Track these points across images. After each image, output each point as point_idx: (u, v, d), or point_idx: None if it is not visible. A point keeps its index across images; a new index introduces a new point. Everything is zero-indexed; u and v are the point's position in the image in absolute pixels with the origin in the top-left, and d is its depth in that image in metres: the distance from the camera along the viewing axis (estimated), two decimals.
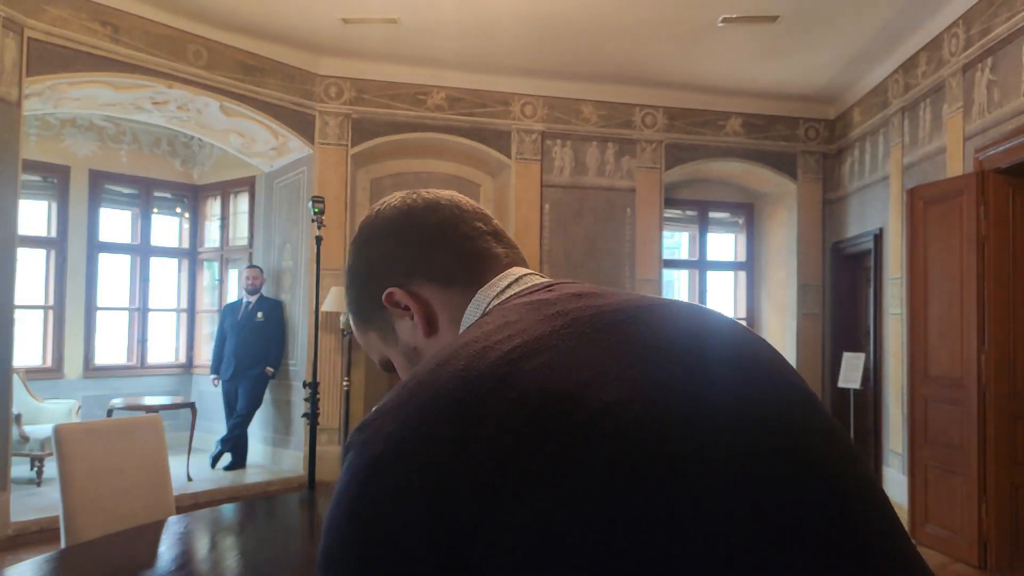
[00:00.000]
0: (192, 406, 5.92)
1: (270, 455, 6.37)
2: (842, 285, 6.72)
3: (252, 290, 6.21)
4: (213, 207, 7.38)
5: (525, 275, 0.74)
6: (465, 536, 0.48)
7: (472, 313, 0.72)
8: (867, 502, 0.56)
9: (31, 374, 6.02)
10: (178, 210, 7.42)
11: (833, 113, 6.87)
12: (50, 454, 5.26)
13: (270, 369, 6.14)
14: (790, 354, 6.93)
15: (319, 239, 4.34)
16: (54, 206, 6.51)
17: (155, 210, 7.23)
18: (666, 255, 6.94)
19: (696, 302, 7.40)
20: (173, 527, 2.28)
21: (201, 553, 2.14)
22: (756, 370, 0.61)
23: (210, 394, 6.60)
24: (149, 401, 5.93)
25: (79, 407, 5.84)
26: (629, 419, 0.51)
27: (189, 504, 4.84)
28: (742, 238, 7.63)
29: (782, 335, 7.09)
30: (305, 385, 4.38)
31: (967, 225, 4.26)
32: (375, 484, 0.52)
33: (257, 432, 6.39)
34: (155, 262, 7.26)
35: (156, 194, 7.20)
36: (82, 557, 2.03)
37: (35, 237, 6.34)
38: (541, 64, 6.03)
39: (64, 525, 2.26)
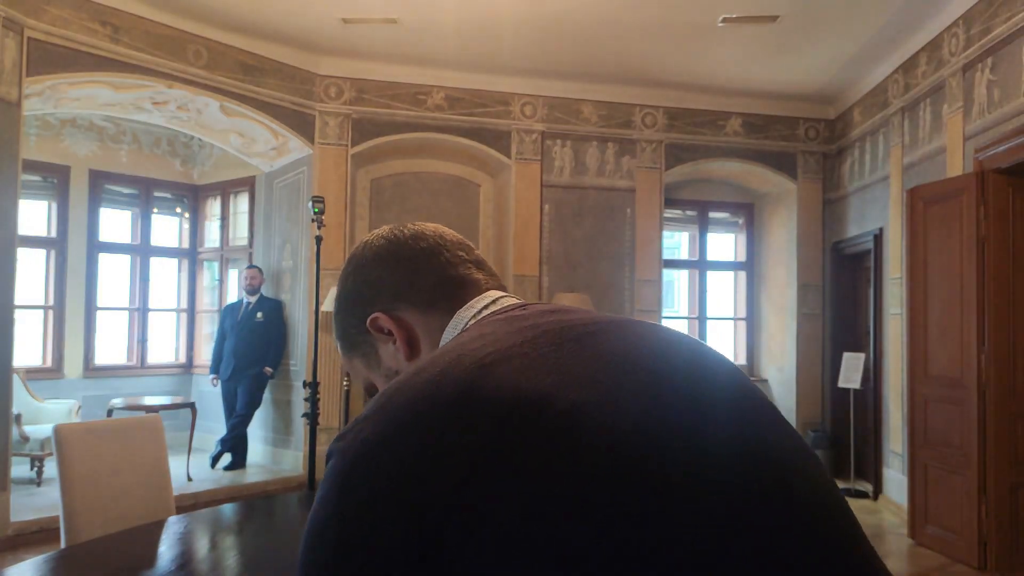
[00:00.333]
0: (192, 406, 5.92)
1: (270, 455, 6.37)
2: (842, 285, 6.72)
3: (252, 290, 6.21)
4: (213, 207, 7.38)
5: (501, 297, 0.79)
6: (441, 536, 0.50)
7: (451, 332, 0.77)
8: (811, 482, 0.60)
9: (31, 374, 6.02)
10: (178, 210, 7.42)
11: (833, 113, 6.87)
12: (50, 454, 5.26)
13: (269, 369, 6.14)
14: (790, 354, 6.93)
15: (319, 239, 4.34)
16: (54, 206, 6.51)
17: (155, 210, 7.23)
18: (666, 255, 6.94)
19: (695, 302, 7.40)
20: (173, 527, 2.28)
21: (201, 553, 2.14)
22: (712, 376, 0.65)
23: (210, 394, 6.59)
24: (149, 401, 5.93)
25: (79, 407, 5.84)
26: (596, 418, 0.53)
27: (189, 504, 4.84)
28: (742, 238, 7.63)
29: (782, 335, 7.09)
30: (305, 385, 4.38)
31: (967, 225, 4.26)
32: (354, 489, 0.53)
33: (257, 432, 6.39)
34: (155, 262, 7.26)
35: (156, 194, 7.20)
36: (82, 557, 2.03)
37: (35, 237, 6.34)
38: (541, 64, 6.03)
39: (64, 525, 2.26)
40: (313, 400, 4.29)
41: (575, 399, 0.54)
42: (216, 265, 7.36)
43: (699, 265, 7.53)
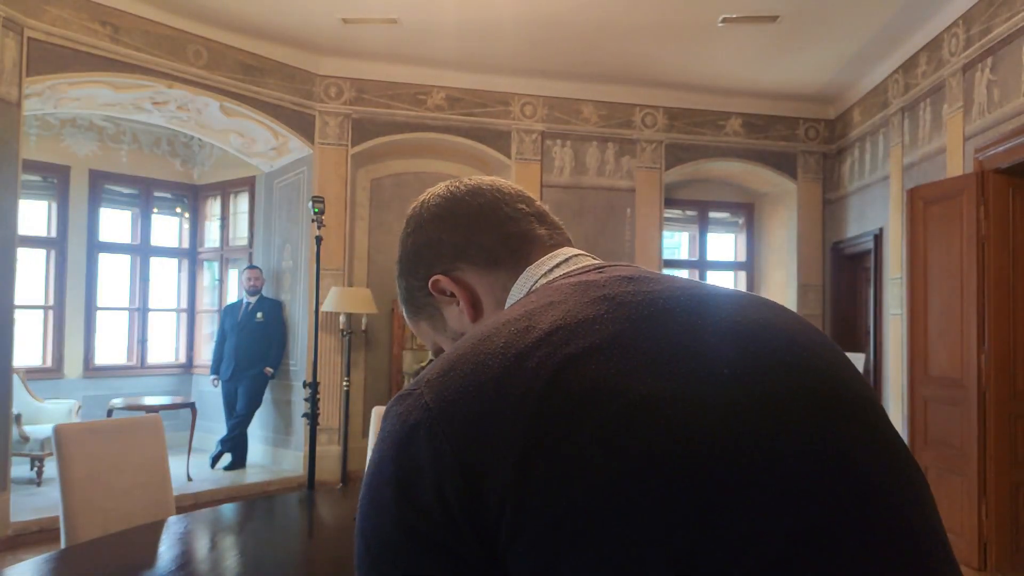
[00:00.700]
0: (192, 406, 5.92)
1: (270, 455, 6.37)
2: (842, 285, 6.72)
3: (252, 291, 6.21)
4: (213, 207, 7.38)
5: (575, 255, 0.75)
6: (494, 509, 0.49)
7: (518, 292, 0.72)
8: (904, 500, 0.55)
9: (31, 374, 6.02)
10: (178, 210, 7.42)
11: (833, 113, 6.87)
12: (50, 454, 5.26)
13: (269, 369, 6.14)
14: None
15: (319, 239, 4.34)
16: (54, 206, 6.51)
17: (155, 210, 7.23)
18: (666, 255, 6.94)
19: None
20: (173, 527, 2.28)
21: (201, 553, 2.14)
22: (807, 367, 0.58)
23: (210, 394, 6.59)
24: (149, 401, 5.93)
25: (79, 407, 5.84)
26: (665, 412, 0.51)
27: (189, 504, 4.84)
28: (742, 238, 7.63)
29: None
30: (305, 385, 4.38)
31: (967, 225, 4.26)
32: (411, 453, 0.52)
33: (257, 432, 6.39)
34: (155, 262, 7.26)
35: (156, 194, 7.20)
36: (82, 557, 2.03)
37: (35, 237, 6.34)
38: (541, 64, 6.03)
39: (64, 525, 2.26)
40: (313, 400, 4.29)
41: (644, 391, 0.51)
42: (216, 265, 7.36)
43: (699, 265, 7.53)
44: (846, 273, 6.69)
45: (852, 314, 6.63)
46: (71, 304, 6.52)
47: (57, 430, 2.33)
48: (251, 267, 6.38)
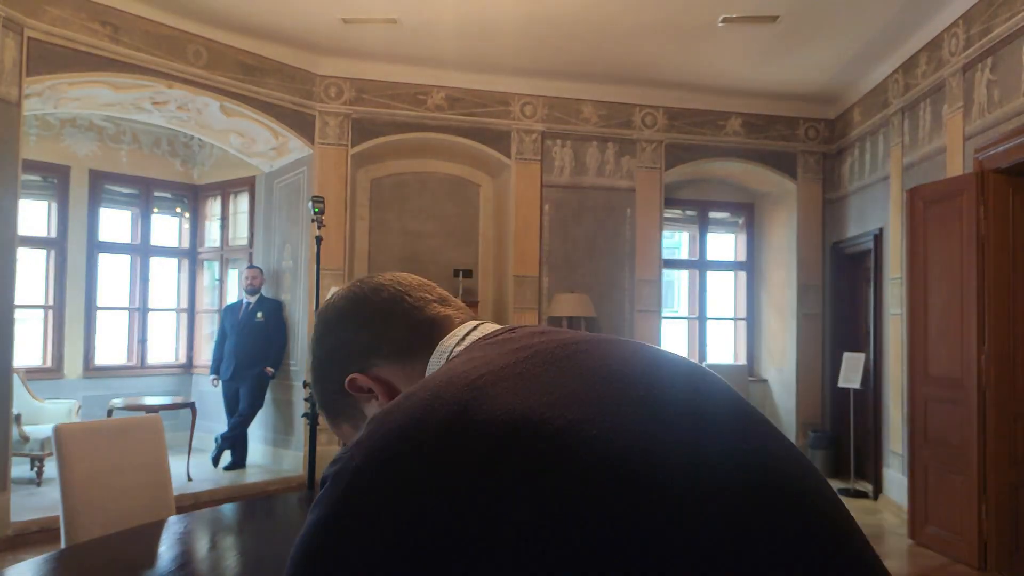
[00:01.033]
0: (192, 406, 5.92)
1: (270, 455, 6.37)
2: (842, 285, 6.72)
3: (252, 290, 6.21)
4: (213, 207, 7.38)
5: (482, 324, 0.78)
6: (438, 562, 0.48)
7: (435, 363, 0.75)
8: (821, 495, 0.59)
9: (31, 374, 6.01)
10: (178, 210, 7.42)
11: (833, 113, 6.87)
12: (50, 454, 5.26)
13: (270, 369, 6.14)
14: (790, 354, 6.93)
15: (319, 239, 4.34)
16: (54, 206, 6.51)
17: (155, 210, 7.23)
18: (666, 255, 6.94)
19: (696, 302, 7.39)
20: (173, 527, 2.28)
21: (201, 553, 2.14)
22: (708, 392, 0.65)
23: (210, 394, 6.59)
24: (149, 401, 5.93)
25: (79, 407, 5.84)
26: (593, 435, 0.52)
27: (189, 504, 4.84)
28: (742, 238, 7.63)
29: (782, 335, 7.09)
30: (305, 385, 4.38)
31: (967, 225, 4.26)
32: (345, 517, 0.52)
33: (257, 432, 6.39)
34: (155, 262, 7.26)
35: (156, 194, 7.20)
36: (82, 557, 2.03)
37: (35, 237, 6.34)
38: (541, 64, 6.03)
39: (64, 525, 2.25)
40: (313, 400, 4.28)
41: (571, 417, 0.53)
42: (216, 265, 7.36)
43: (699, 265, 7.53)
44: (846, 273, 6.69)
45: (852, 314, 6.63)
46: (71, 304, 6.52)
47: (57, 430, 2.33)
48: (251, 267, 6.38)
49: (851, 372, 6.02)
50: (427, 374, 0.74)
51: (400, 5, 4.99)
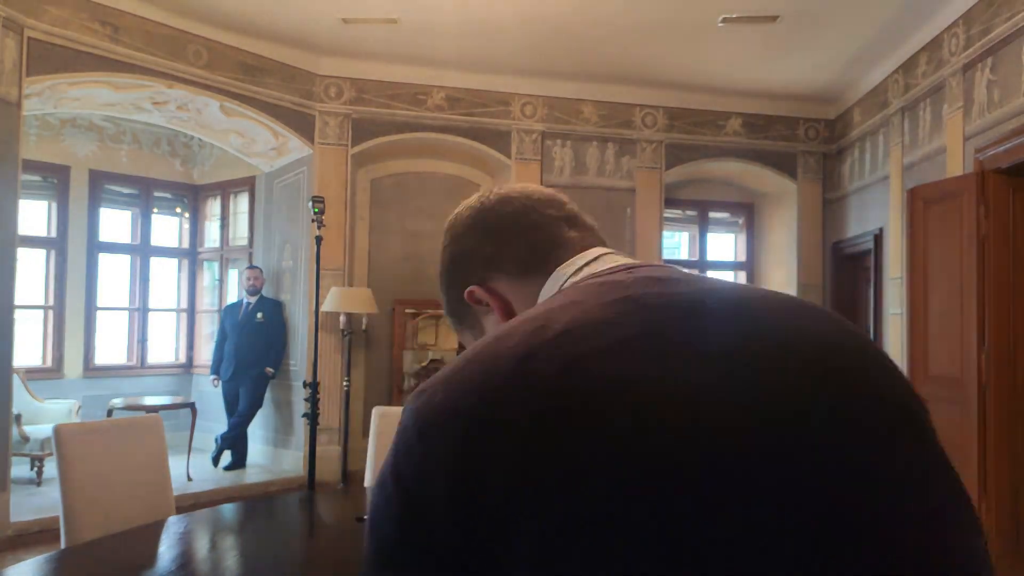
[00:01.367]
0: (192, 406, 5.92)
1: (270, 455, 6.37)
2: (842, 285, 6.72)
3: (253, 291, 6.21)
4: (213, 207, 7.38)
5: (605, 255, 0.74)
6: (494, 514, 0.48)
7: (547, 292, 0.73)
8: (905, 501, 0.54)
9: (31, 374, 6.01)
10: (178, 210, 7.42)
11: (833, 113, 6.87)
12: (50, 454, 5.25)
13: (270, 369, 6.14)
14: None
15: (319, 239, 4.34)
16: (54, 206, 6.51)
17: (155, 210, 7.23)
18: (666, 255, 6.94)
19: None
20: (173, 527, 2.28)
21: (201, 553, 2.14)
22: (835, 380, 0.56)
23: (210, 394, 6.59)
24: (149, 401, 5.93)
25: (79, 407, 5.84)
26: (669, 420, 0.49)
27: (189, 504, 4.84)
28: (742, 238, 7.63)
29: None
30: (305, 385, 4.38)
31: (967, 225, 4.26)
32: (419, 450, 0.52)
33: (257, 432, 6.39)
34: (155, 262, 7.26)
35: (156, 194, 7.20)
36: (82, 557, 2.03)
37: (35, 237, 6.34)
38: (541, 64, 6.03)
39: (64, 525, 2.25)
40: (313, 400, 4.28)
41: (648, 397, 0.50)
42: (216, 265, 7.36)
43: (699, 265, 7.52)
44: (846, 273, 6.69)
45: (852, 314, 6.62)
46: (71, 304, 6.52)
47: (57, 430, 2.33)
48: (251, 267, 6.38)
49: None
50: (540, 299, 0.73)
51: (400, 5, 4.99)
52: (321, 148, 6.08)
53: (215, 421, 6.55)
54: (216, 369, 6.29)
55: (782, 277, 7.12)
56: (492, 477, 0.48)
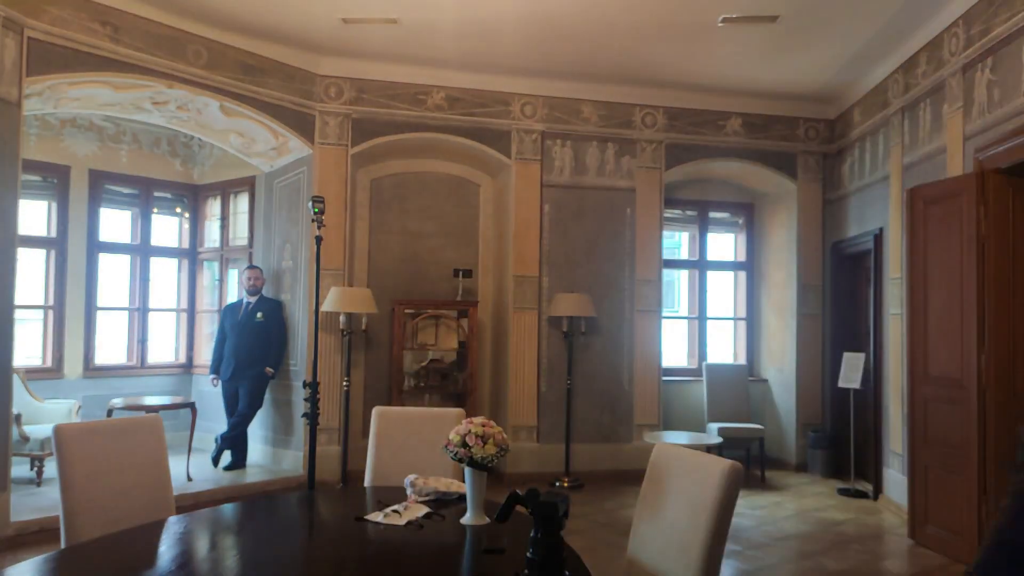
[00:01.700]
0: (192, 406, 5.92)
1: (270, 455, 6.37)
2: (842, 285, 6.72)
3: (253, 291, 6.21)
4: (213, 207, 7.38)
5: None
6: None
7: None
8: None
9: (31, 374, 6.01)
10: (178, 210, 7.42)
11: (833, 113, 6.87)
12: (50, 454, 5.26)
13: (270, 370, 6.14)
14: (790, 354, 6.93)
15: (319, 239, 4.34)
16: (54, 206, 6.51)
17: (155, 210, 7.23)
18: (666, 255, 6.94)
19: (696, 302, 7.39)
20: (173, 527, 2.28)
21: (201, 553, 2.14)
22: None
23: (210, 394, 6.60)
24: (149, 401, 5.93)
25: (79, 407, 5.84)
26: None
27: (189, 504, 4.84)
28: (742, 238, 7.64)
29: (782, 335, 7.09)
30: (305, 385, 4.37)
31: (967, 225, 4.26)
32: None
33: (257, 432, 6.39)
34: (155, 262, 7.26)
35: (156, 194, 7.20)
36: (82, 557, 2.03)
37: (35, 237, 6.34)
38: (541, 64, 6.03)
39: (64, 525, 2.26)
40: (313, 400, 4.28)
41: None
42: (216, 265, 7.36)
43: (699, 265, 7.53)
44: (846, 273, 6.69)
45: (852, 314, 6.63)
46: (71, 304, 6.52)
47: (57, 430, 2.33)
48: (251, 267, 6.38)
49: (851, 372, 6.02)
50: None
51: (400, 5, 4.99)
52: (321, 148, 6.08)
53: (215, 421, 6.55)
54: (216, 369, 6.29)
55: (782, 277, 7.12)
56: None
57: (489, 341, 6.75)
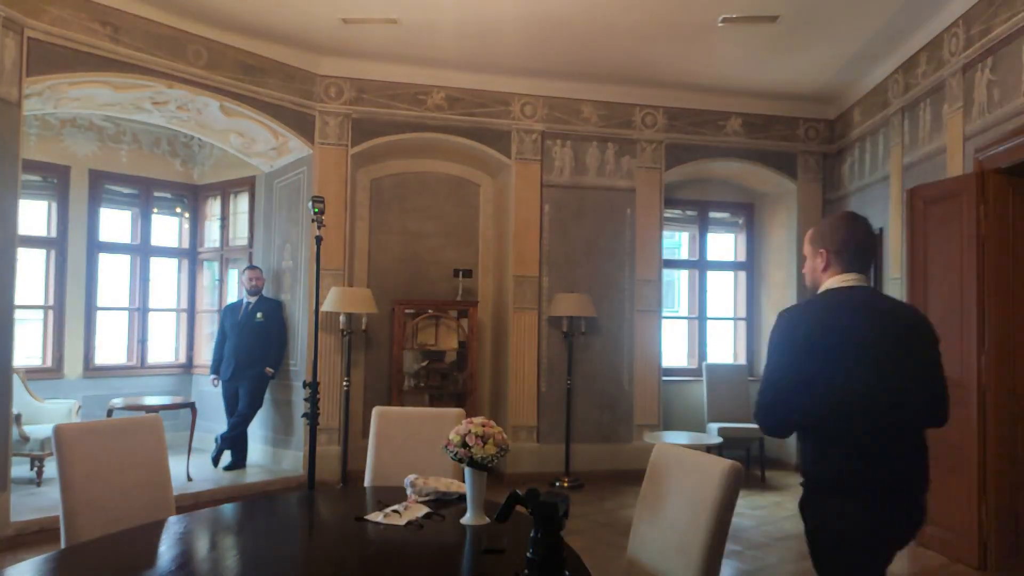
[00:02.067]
0: (192, 406, 5.92)
1: (270, 455, 6.37)
2: None
3: (253, 291, 6.21)
4: (213, 207, 7.38)
5: (851, 278, 2.10)
6: (801, 342, 1.99)
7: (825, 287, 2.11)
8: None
9: (31, 374, 6.01)
10: (178, 210, 7.42)
11: (833, 113, 6.87)
12: (50, 454, 5.26)
13: (270, 370, 6.14)
14: None
15: (319, 239, 4.34)
16: (54, 206, 6.51)
17: (155, 210, 7.23)
18: (666, 255, 6.94)
19: (696, 302, 7.38)
20: (173, 527, 2.28)
21: (201, 553, 2.14)
22: (891, 319, 2.07)
23: (210, 394, 6.60)
24: (149, 401, 5.93)
25: (79, 407, 5.84)
26: (831, 342, 1.99)
27: (189, 504, 4.84)
28: (742, 238, 7.63)
29: None
30: (305, 385, 4.37)
31: (967, 225, 4.26)
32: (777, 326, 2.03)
33: (257, 432, 6.39)
34: (155, 262, 7.26)
35: (156, 194, 7.20)
36: (82, 557, 2.03)
37: (35, 237, 6.34)
38: (541, 64, 6.03)
39: (64, 525, 2.26)
40: (313, 400, 4.28)
41: (844, 328, 1.98)
42: (216, 265, 7.36)
43: (699, 265, 7.53)
44: None
45: None
46: (71, 304, 6.52)
47: (57, 430, 2.33)
48: (251, 267, 6.38)
49: None
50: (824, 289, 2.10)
51: (400, 5, 4.99)
52: (321, 148, 6.09)
53: (215, 421, 6.55)
54: (216, 369, 6.29)
55: (782, 277, 7.12)
56: (799, 334, 1.99)
57: (489, 341, 6.75)
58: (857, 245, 2.05)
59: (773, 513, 5.35)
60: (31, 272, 6.31)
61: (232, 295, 7.00)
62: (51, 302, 6.45)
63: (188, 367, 7.31)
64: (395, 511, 2.38)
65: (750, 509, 5.41)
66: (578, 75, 6.28)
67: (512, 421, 6.25)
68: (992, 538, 4.07)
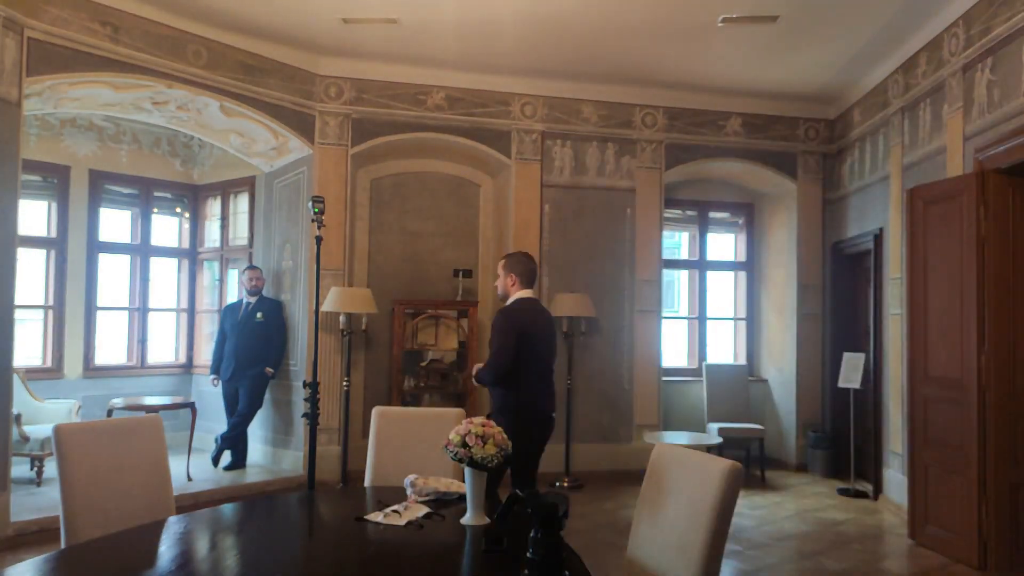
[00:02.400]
0: (192, 406, 5.92)
1: (270, 455, 6.37)
2: (842, 285, 6.73)
3: (253, 291, 6.21)
4: (213, 207, 7.38)
5: (528, 293, 3.69)
6: (516, 337, 3.49)
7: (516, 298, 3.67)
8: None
9: (31, 374, 6.01)
10: (178, 210, 7.42)
11: (833, 113, 6.87)
12: (50, 454, 5.26)
13: (270, 370, 6.14)
14: (790, 354, 6.92)
15: (319, 239, 4.33)
16: (54, 206, 6.51)
17: (155, 210, 7.23)
18: (666, 255, 6.94)
19: (695, 302, 7.40)
20: (173, 527, 2.28)
21: (201, 553, 2.14)
22: (549, 323, 3.72)
23: (210, 394, 6.60)
24: (149, 401, 5.93)
25: (79, 407, 5.84)
26: (533, 331, 3.58)
27: (189, 504, 4.84)
28: (742, 238, 7.64)
29: (782, 335, 7.09)
30: (305, 385, 4.37)
31: (967, 225, 4.26)
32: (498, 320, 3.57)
33: (257, 432, 6.39)
34: (155, 262, 7.26)
35: (156, 194, 7.20)
36: (82, 557, 2.03)
37: (35, 237, 6.34)
38: (541, 64, 6.03)
39: (64, 525, 2.26)
40: (313, 400, 4.28)
41: (536, 329, 3.59)
42: (216, 265, 7.36)
43: (699, 265, 7.53)
44: (846, 273, 6.69)
45: (852, 314, 6.63)
46: (71, 304, 6.52)
47: (57, 430, 2.33)
48: (251, 267, 6.38)
49: (851, 372, 6.02)
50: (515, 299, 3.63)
51: (400, 5, 4.99)
52: (321, 148, 6.09)
53: (215, 421, 6.55)
54: (216, 369, 6.29)
55: (782, 277, 7.12)
56: (517, 330, 3.49)
57: None
58: (531, 273, 3.63)
59: (773, 513, 5.35)
60: (31, 272, 6.31)
61: (232, 295, 7.00)
62: (51, 302, 6.45)
63: (188, 367, 7.31)
64: (395, 511, 2.38)
65: (750, 509, 5.42)
66: (578, 75, 6.28)
67: None
68: (992, 538, 4.07)
